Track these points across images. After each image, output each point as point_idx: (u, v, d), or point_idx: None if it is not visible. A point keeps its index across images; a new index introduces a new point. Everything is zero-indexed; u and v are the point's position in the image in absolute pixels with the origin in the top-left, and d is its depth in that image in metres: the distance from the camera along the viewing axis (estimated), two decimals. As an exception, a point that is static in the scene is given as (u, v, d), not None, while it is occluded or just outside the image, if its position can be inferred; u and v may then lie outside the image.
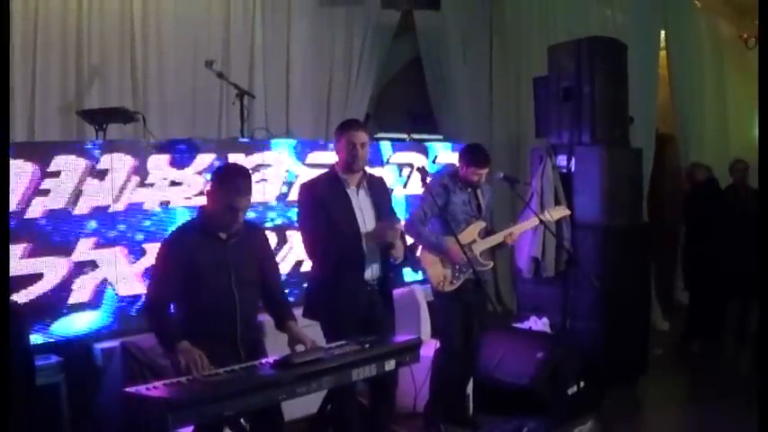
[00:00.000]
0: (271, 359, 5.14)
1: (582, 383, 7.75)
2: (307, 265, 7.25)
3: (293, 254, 7.79)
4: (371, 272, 6.15)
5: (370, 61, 10.86)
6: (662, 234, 11.84)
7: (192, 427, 4.79)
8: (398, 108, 11.80)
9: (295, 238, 7.56)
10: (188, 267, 5.16)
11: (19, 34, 7.90)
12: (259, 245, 5.65)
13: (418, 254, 7.43)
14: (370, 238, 6.10)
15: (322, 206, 6.03)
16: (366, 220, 6.16)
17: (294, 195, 7.18)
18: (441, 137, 11.24)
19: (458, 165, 7.28)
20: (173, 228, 5.73)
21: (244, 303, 5.31)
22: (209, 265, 5.21)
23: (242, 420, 5.10)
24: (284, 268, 7.53)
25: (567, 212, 7.91)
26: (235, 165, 5.63)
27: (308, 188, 6.26)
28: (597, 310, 8.43)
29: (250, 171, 5.54)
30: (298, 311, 5.97)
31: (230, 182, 5.23)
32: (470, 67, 11.75)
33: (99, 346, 6.41)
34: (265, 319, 5.77)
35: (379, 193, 6.39)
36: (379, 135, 10.42)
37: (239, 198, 5.22)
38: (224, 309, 5.22)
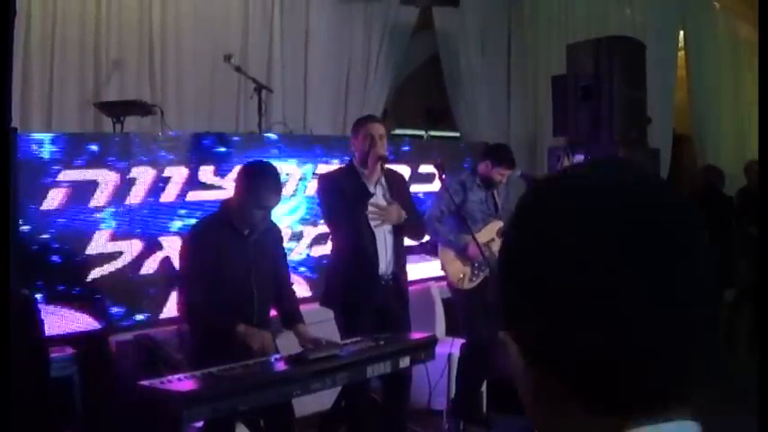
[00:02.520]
0: (285, 354, 5.15)
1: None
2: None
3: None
4: (385, 267, 6.14)
5: (388, 57, 10.83)
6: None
7: (203, 421, 4.79)
8: (416, 105, 11.77)
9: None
10: (211, 261, 5.17)
11: (38, 26, 7.89)
12: (275, 242, 5.66)
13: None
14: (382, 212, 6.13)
15: (340, 198, 6.03)
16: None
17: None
18: (458, 134, 11.23)
19: (480, 163, 7.27)
20: (195, 223, 5.75)
21: (261, 299, 5.33)
22: (230, 259, 5.22)
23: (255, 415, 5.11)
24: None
25: None
26: (265, 163, 5.63)
27: (326, 179, 6.27)
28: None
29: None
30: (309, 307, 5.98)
31: (261, 181, 5.23)
32: (488, 65, 11.70)
33: (113, 338, 6.42)
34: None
35: (398, 188, 6.38)
36: (397, 131, 10.42)
37: (269, 197, 5.22)
38: (242, 303, 5.23)
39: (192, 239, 5.36)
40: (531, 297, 1.06)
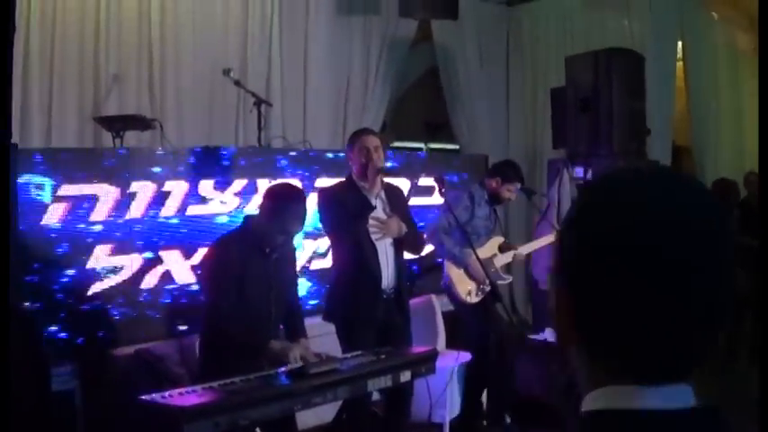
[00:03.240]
0: (287, 369, 5.15)
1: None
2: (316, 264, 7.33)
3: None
4: (387, 281, 6.15)
5: (387, 70, 10.84)
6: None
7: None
8: (415, 118, 11.80)
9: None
10: (233, 277, 5.18)
11: (37, 40, 7.89)
12: (291, 260, 5.69)
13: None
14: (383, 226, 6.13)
15: (341, 211, 6.04)
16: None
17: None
18: (457, 147, 11.24)
19: (489, 179, 7.30)
20: (219, 237, 5.76)
21: (277, 315, 5.36)
22: (252, 277, 5.24)
23: (257, 429, 5.10)
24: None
25: None
26: (293, 187, 5.67)
27: (326, 193, 6.28)
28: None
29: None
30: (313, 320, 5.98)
31: (288, 206, 5.26)
32: (487, 78, 11.72)
33: (114, 352, 6.42)
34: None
35: (396, 202, 6.38)
36: (396, 144, 10.42)
37: (294, 223, 5.26)
38: (261, 320, 5.26)
39: (217, 256, 5.38)
40: (598, 265, 1.27)
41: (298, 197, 5.40)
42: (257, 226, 5.37)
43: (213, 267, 5.39)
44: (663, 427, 1.24)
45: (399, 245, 6.27)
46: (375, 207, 6.10)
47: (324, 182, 7.63)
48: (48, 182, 6.13)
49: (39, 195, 6.09)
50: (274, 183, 5.85)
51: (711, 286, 1.24)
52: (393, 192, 6.44)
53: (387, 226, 6.12)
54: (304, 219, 5.40)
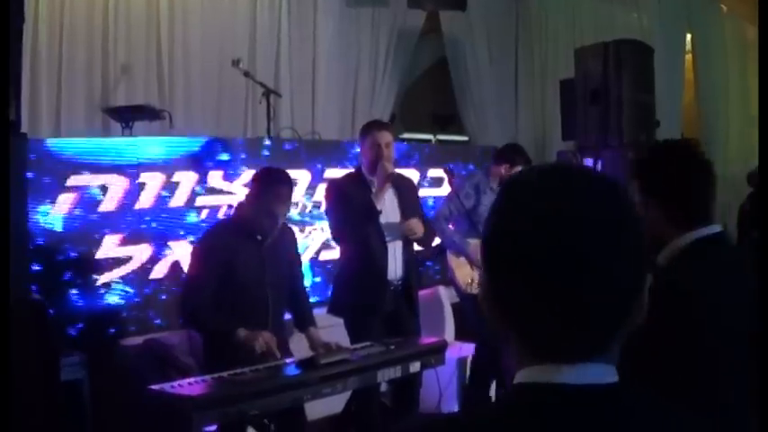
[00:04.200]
0: (296, 359, 5.14)
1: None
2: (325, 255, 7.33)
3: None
4: (395, 273, 6.14)
5: (396, 62, 10.82)
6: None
7: (215, 426, 4.79)
8: (424, 109, 11.77)
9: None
10: (224, 266, 5.16)
11: (46, 32, 7.90)
12: (289, 245, 5.66)
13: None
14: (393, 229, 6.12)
15: (348, 209, 6.02)
16: (390, 220, 6.15)
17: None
18: (466, 138, 11.22)
19: (496, 166, 7.27)
20: (208, 227, 5.76)
21: (275, 303, 5.33)
22: (245, 265, 5.22)
23: (265, 420, 5.10)
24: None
25: None
26: (277, 170, 5.64)
27: (334, 186, 6.27)
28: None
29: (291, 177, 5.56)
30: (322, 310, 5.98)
31: (272, 188, 5.24)
32: (496, 69, 11.69)
33: (122, 342, 6.42)
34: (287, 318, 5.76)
35: (406, 192, 6.37)
36: (405, 135, 10.40)
37: (280, 205, 5.23)
38: (257, 308, 5.23)
39: (203, 243, 5.38)
40: (501, 259, 1.42)
41: (280, 178, 5.38)
42: (245, 212, 5.35)
43: (194, 257, 5.38)
44: (574, 398, 1.35)
45: (408, 238, 6.26)
46: (380, 212, 6.07)
47: (333, 173, 7.62)
48: (57, 172, 6.13)
49: (48, 185, 6.09)
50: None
51: (606, 277, 1.35)
52: (404, 184, 6.42)
53: (411, 229, 6.11)
54: (288, 201, 5.37)
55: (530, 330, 1.40)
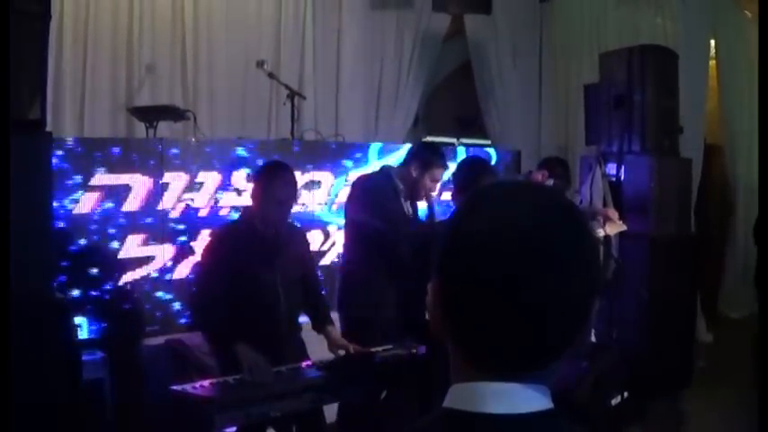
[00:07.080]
0: (317, 361, 5.14)
1: (626, 394, 7.67)
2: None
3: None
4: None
5: (420, 65, 10.82)
6: (708, 246, 11.70)
7: (235, 427, 4.79)
8: (447, 112, 11.75)
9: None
10: (235, 266, 5.14)
11: (71, 32, 7.94)
12: (300, 245, 5.64)
13: None
14: None
15: (374, 215, 6.00)
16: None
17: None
18: (489, 141, 11.20)
19: (536, 171, 7.43)
20: (217, 227, 5.75)
21: (288, 302, 5.29)
22: (256, 264, 5.19)
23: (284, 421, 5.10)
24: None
25: (624, 228, 7.83)
26: (275, 161, 5.64)
27: (362, 184, 6.26)
28: (643, 320, 8.35)
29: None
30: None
31: (273, 176, 5.22)
32: (520, 73, 11.68)
33: (144, 342, 6.44)
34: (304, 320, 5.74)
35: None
36: (428, 138, 10.39)
37: (283, 190, 5.19)
38: (270, 307, 5.19)
39: (212, 243, 5.36)
40: (452, 269, 1.43)
41: (281, 167, 5.37)
42: (253, 211, 5.33)
43: (203, 258, 5.39)
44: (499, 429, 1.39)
45: None
46: (410, 219, 6.12)
47: (356, 174, 7.61)
48: (81, 171, 6.16)
49: (72, 184, 6.12)
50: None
51: (541, 298, 1.36)
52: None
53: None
54: (292, 186, 5.32)
55: (470, 340, 1.43)
